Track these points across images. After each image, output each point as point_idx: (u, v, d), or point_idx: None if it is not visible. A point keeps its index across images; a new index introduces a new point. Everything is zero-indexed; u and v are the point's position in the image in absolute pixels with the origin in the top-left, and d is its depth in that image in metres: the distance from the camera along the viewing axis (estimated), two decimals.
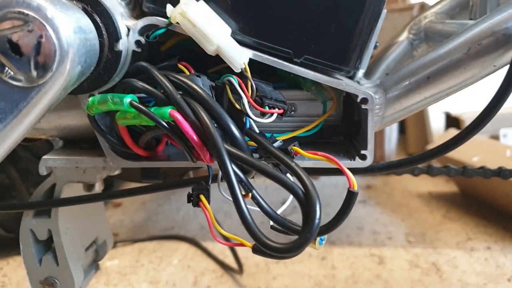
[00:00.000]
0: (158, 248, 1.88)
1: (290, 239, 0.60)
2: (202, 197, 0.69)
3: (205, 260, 1.77)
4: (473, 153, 2.03)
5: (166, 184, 0.97)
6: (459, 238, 1.88)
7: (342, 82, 0.77)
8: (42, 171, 0.92)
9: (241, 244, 0.67)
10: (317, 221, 0.59)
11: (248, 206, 0.63)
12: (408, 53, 1.11)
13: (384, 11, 0.80)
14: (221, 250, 1.80)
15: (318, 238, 0.68)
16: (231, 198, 0.62)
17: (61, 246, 0.99)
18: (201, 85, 0.69)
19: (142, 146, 0.81)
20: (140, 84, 0.68)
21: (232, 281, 1.63)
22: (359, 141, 0.85)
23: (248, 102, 0.70)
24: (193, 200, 0.70)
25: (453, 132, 2.35)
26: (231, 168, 0.63)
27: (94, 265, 1.16)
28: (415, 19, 1.13)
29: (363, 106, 0.77)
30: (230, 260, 1.73)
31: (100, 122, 0.78)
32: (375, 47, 0.92)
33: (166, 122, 0.66)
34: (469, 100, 2.43)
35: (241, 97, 0.70)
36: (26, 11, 0.59)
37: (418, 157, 0.81)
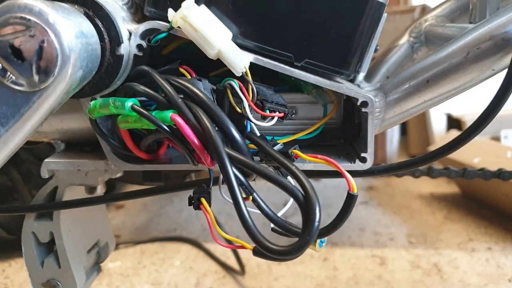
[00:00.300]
0: (160, 249, 1.89)
1: (291, 241, 0.61)
2: (203, 200, 0.70)
3: (207, 262, 1.78)
4: (474, 154, 2.03)
5: (168, 186, 0.97)
6: (460, 239, 1.88)
7: (342, 86, 0.77)
8: (44, 174, 0.92)
9: (242, 247, 0.67)
10: (316, 223, 0.59)
11: (249, 209, 0.64)
12: (409, 56, 1.11)
13: (385, 14, 0.81)
14: (223, 252, 1.80)
15: (318, 240, 0.68)
16: (231, 201, 0.63)
17: (63, 248, 0.99)
18: (202, 88, 0.69)
19: (144, 149, 0.82)
20: (142, 88, 0.68)
21: (234, 282, 1.63)
22: (359, 144, 0.85)
23: (249, 105, 0.70)
24: (194, 203, 0.70)
25: (455, 133, 2.35)
26: (232, 171, 0.63)
27: (96, 267, 1.16)
28: (415, 22, 1.13)
29: (363, 109, 0.77)
30: (232, 262, 1.74)
31: (102, 125, 0.79)
32: (376, 50, 0.92)
33: (167, 126, 0.66)
34: (471, 102, 2.43)
35: (242, 101, 0.70)
36: (28, 16, 0.59)
37: (418, 160, 0.82)
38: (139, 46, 0.73)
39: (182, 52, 0.81)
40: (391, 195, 2.40)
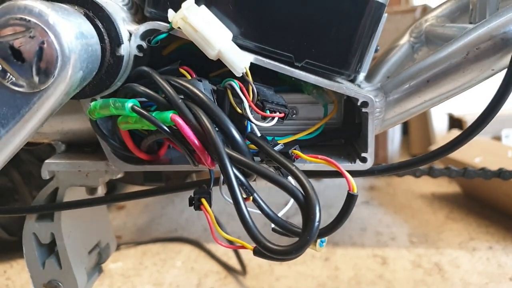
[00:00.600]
0: (161, 250, 1.89)
1: (292, 241, 0.61)
2: (203, 200, 0.70)
3: (208, 262, 1.78)
4: (475, 154, 2.03)
5: (169, 187, 0.98)
6: (462, 238, 1.88)
7: (342, 86, 0.77)
8: (45, 175, 0.92)
9: (243, 247, 0.67)
10: (316, 223, 0.59)
11: (250, 209, 0.64)
12: (409, 56, 1.11)
13: (385, 15, 0.81)
14: (225, 252, 1.80)
15: (318, 240, 0.68)
16: (232, 201, 0.63)
17: (64, 249, 1.00)
18: (203, 89, 0.69)
19: (144, 150, 0.82)
20: (142, 89, 0.68)
21: (236, 282, 1.63)
22: (360, 144, 0.85)
23: (249, 106, 0.70)
24: (195, 203, 0.70)
25: (456, 133, 2.35)
26: (232, 172, 0.63)
27: (97, 268, 1.16)
28: (416, 23, 1.13)
29: (364, 110, 0.77)
30: (233, 262, 1.74)
31: (102, 126, 0.79)
32: (376, 50, 0.92)
33: (167, 127, 0.66)
34: (472, 101, 2.43)
35: (242, 101, 0.70)
36: (28, 18, 0.59)
37: (419, 159, 0.82)
38: (139, 47, 0.73)
39: (182, 53, 0.81)
40: (392, 194, 2.40)
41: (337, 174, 0.65)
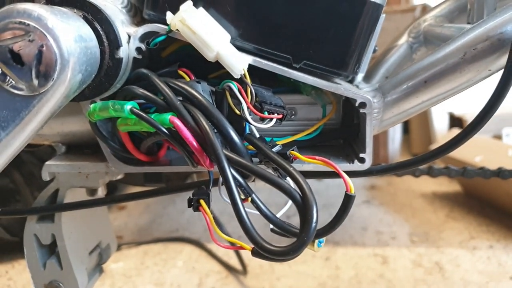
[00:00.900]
0: (162, 250, 1.89)
1: (292, 242, 0.61)
2: (202, 202, 0.70)
3: (209, 262, 1.78)
4: (476, 153, 2.03)
5: (169, 188, 0.98)
6: (462, 237, 1.88)
7: (340, 87, 0.77)
8: (45, 176, 0.93)
9: (241, 247, 0.67)
10: (313, 224, 0.59)
11: (249, 210, 0.64)
12: (408, 56, 1.11)
13: (383, 15, 0.81)
14: (226, 252, 1.80)
15: (316, 241, 0.69)
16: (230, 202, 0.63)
17: (65, 250, 1.00)
18: (201, 91, 0.70)
19: (144, 151, 0.82)
20: (141, 91, 0.69)
21: (237, 282, 1.64)
22: (358, 144, 0.86)
23: (248, 107, 0.70)
24: (194, 205, 0.70)
25: (456, 132, 2.35)
26: (230, 173, 0.64)
27: (98, 268, 1.16)
28: (414, 23, 1.13)
29: (362, 110, 0.77)
30: (234, 262, 1.74)
31: (102, 128, 0.79)
32: (374, 51, 0.92)
33: (166, 128, 0.67)
34: (473, 101, 2.43)
35: (240, 103, 0.70)
36: (27, 21, 0.59)
37: (418, 159, 0.82)
38: (138, 49, 0.73)
39: (181, 55, 0.82)
40: (393, 194, 2.40)
41: (336, 174, 0.65)
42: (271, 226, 0.70)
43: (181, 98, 0.68)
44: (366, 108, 0.77)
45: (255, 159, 0.74)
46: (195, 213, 0.71)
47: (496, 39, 0.72)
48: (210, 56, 0.69)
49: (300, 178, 0.63)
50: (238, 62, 0.69)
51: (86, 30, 0.67)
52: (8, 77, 0.61)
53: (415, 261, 1.71)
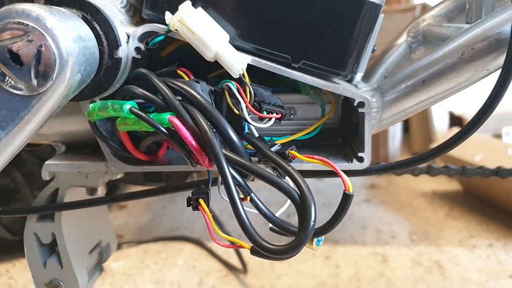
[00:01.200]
0: (163, 249, 1.90)
1: (291, 240, 0.62)
2: (201, 201, 0.70)
3: (209, 260, 1.79)
4: (475, 152, 2.03)
5: (169, 187, 0.98)
6: (462, 236, 1.89)
7: (339, 86, 0.77)
8: (45, 176, 0.93)
9: (240, 246, 0.67)
10: (312, 223, 0.60)
11: (248, 209, 0.64)
12: (407, 55, 1.11)
13: (382, 15, 0.81)
14: (226, 250, 1.80)
15: (315, 240, 0.69)
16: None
17: (65, 249, 1.00)
18: (200, 91, 0.70)
19: (143, 151, 0.82)
20: (140, 91, 0.69)
21: (237, 280, 1.64)
22: (357, 144, 0.86)
23: (246, 107, 0.70)
24: (193, 204, 0.70)
25: (456, 131, 2.36)
26: (229, 172, 0.64)
27: (98, 267, 1.17)
28: (413, 22, 1.13)
29: (360, 110, 0.77)
30: (234, 260, 1.74)
31: (102, 127, 0.79)
32: (373, 50, 0.93)
33: (165, 128, 0.67)
34: (473, 99, 2.43)
35: (239, 102, 0.71)
36: (26, 22, 0.59)
37: (416, 158, 0.82)
38: (137, 49, 0.73)
39: (180, 54, 0.82)
40: (393, 193, 2.40)
41: (334, 174, 0.66)
42: (270, 225, 0.70)
43: (180, 98, 0.68)
44: (365, 108, 0.77)
45: (254, 159, 0.74)
46: (195, 212, 0.71)
47: (494, 39, 0.73)
48: (209, 55, 0.69)
49: (298, 177, 0.63)
50: (237, 62, 0.69)
51: (85, 30, 0.67)
52: (7, 77, 0.61)
53: (415, 260, 1.71)
